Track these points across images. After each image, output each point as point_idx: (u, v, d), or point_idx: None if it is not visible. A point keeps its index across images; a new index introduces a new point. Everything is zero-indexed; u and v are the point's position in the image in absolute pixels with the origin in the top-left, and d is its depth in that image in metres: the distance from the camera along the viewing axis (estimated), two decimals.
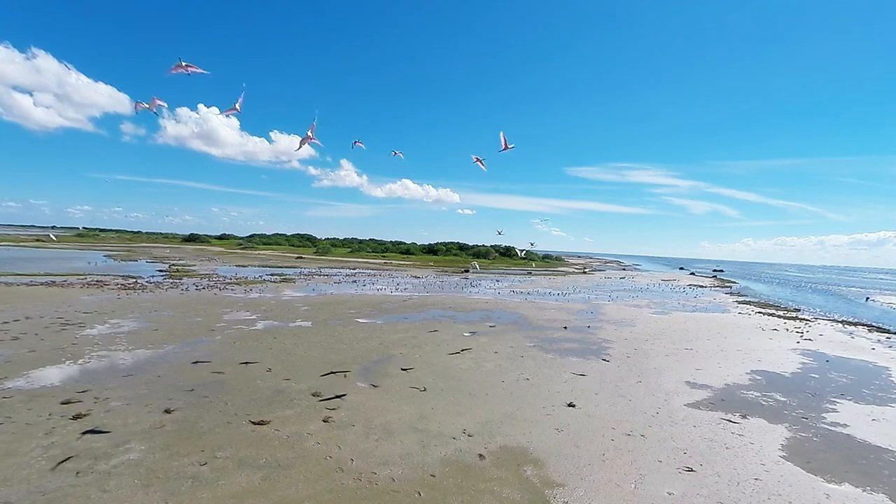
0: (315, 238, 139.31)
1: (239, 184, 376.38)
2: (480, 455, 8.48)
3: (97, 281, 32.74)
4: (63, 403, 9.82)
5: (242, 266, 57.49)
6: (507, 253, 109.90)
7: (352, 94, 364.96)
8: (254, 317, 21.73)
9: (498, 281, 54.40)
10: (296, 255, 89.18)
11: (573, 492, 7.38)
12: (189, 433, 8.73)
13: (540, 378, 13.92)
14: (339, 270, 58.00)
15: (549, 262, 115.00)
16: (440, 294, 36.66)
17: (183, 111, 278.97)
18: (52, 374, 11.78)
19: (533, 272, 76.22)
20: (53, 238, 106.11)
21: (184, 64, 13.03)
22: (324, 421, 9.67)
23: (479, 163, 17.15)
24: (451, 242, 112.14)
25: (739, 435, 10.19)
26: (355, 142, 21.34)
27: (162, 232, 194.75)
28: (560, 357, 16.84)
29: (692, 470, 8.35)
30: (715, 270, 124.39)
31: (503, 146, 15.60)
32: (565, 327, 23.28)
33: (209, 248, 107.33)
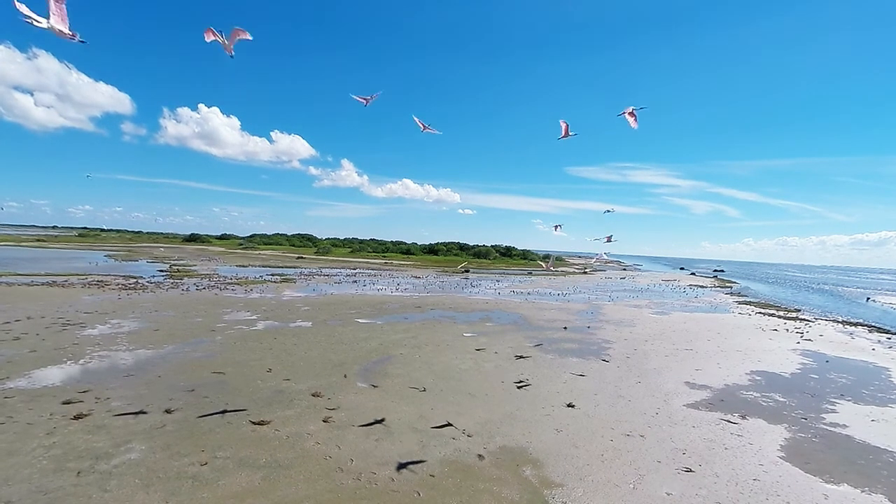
0: (316, 238, 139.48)
1: (240, 184, 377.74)
2: (480, 455, 8.51)
3: (98, 281, 32.80)
4: (64, 403, 9.85)
5: (243, 266, 57.55)
6: (507, 253, 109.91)
7: (352, 94, 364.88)
8: (254, 317, 21.77)
9: (498, 281, 54.41)
10: (296, 256, 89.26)
11: (572, 492, 7.40)
12: (189, 433, 8.77)
13: (539, 378, 13.94)
14: (339, 270, 58.04)
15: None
16: (441, 294, 36.68)
17: (184, 111, 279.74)
18: (53, 374, 11.82)
19: (534, 272, 76.20)
20: (75, 236, 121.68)
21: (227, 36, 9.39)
22: (324, 421, 9.70)
23: (567, 135, 13.74)
24: (452, 242, 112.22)
25: (738, 435, 10.20)
26: (424, 126, 15.43)
27: (163, 232, 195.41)
28: (560, 357, 16.86)
29: (691, 470, 8.37)
30: (716, 270, 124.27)
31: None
32: (565, 328, 23.29)
33: (210, 248, 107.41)
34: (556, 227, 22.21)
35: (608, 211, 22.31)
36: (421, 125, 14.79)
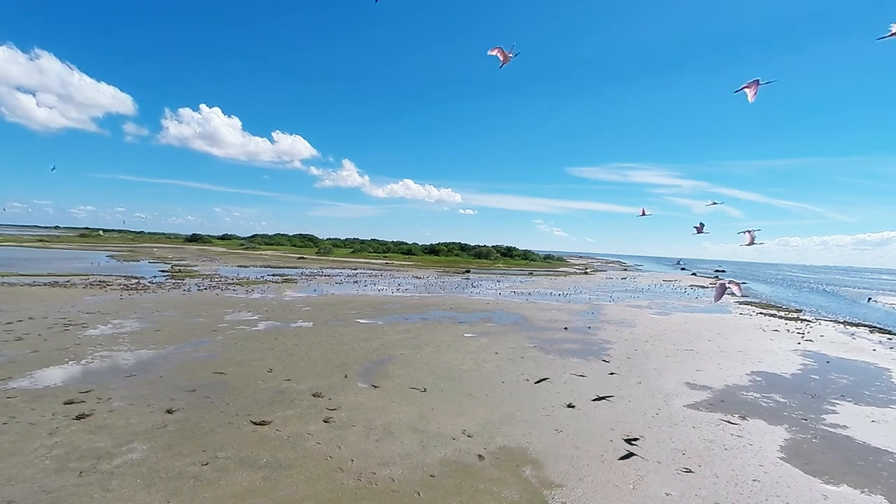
0: (317, 238, 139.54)
1: (241, 184, 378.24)
2: (480, 455, 8.53)
3: (100, 281, 32.89)
4: (66, 403, 9.91)
5: (244, 266, 57.64)
6: (508, 253, 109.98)
7: (353, 95, 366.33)
8: (255, 317, 21.82)
9: (499, 281, 54.42)
10: (297, 256, 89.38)
11: (572, 492, 7.42)
12: (191, 433, 8.81)
13: (540, 379, 13.95)
14: (340, 271, 58.10)
15: (550, 262, 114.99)
16: (441, 295, 36.71)
17: (185, 111, 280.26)
18: (55, 375, 11.88)
19: (535, 273, 76.19)
20: (102, 234, 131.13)
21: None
22: (324, 421, 9.74)
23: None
24: (453, 243, 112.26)
25: (738, 436, 10.21)
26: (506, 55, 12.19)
27: (164, 232, 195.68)
28: (560, 358, 16.87)
29: (690, 471, 8.38)
30: (717, 271, 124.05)
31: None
32: (566, 328, 23.30)
33: (211, 248, 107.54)
34: (698, 226, 15.91)
35: (712, 204, 17.92)
36: (503, 56, 11.87)
